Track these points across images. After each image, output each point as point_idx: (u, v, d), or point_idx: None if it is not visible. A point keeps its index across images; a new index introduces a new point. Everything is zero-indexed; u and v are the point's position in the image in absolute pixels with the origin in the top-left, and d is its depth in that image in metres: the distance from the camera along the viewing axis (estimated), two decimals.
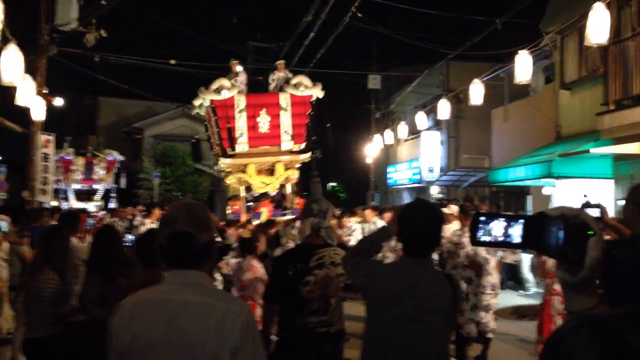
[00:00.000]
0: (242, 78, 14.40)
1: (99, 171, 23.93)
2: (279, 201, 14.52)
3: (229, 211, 14.41)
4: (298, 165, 14.48)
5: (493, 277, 6.82)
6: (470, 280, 6.82)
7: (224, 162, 13.86)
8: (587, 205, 3.60)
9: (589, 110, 11.63)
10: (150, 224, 9.36)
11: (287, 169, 14.06)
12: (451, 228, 7.72)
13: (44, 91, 13.13)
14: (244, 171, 13.80)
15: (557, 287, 5.62)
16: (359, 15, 12.92)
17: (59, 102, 16.44)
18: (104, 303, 4.19)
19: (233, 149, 13.51)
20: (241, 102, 13.52)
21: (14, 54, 8.00)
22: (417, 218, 2.74)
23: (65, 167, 22.94)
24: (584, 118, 12.21)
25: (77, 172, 23.57)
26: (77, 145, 27.17)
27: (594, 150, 10.51)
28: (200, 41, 24.25)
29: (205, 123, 15.48)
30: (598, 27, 7.79)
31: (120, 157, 24.57)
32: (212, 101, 13.48)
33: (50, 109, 13.79)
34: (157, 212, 9.76)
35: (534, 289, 12.17)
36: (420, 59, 22.31)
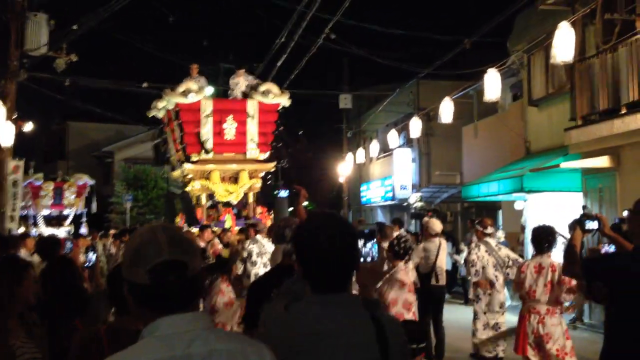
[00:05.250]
0: (202, 83, 14.22)
1: (70, 196, 23.45)
2: (239, 210, 14.30)
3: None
4: (262, 175, 14.34)
5: (501, 295, 6.85)
6: (478, 298, 6.84)
7: (187, 168, 13.60)
8: (587, 216, 3.55)
9: (557, 126, 11.90)
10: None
11: (251, 177, 13.87)
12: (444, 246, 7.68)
13: (13, 116, 12.95)
14: (207, 178, 13.56)
15: (536, 305, 5.40)
16: (332, 37, 13.06)
17: (28, 127, 16.20)
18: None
19: (207, 152, 13.33)
20: (208, 106, 13.31)
21: None
22: (320, 236, 1.93)
23: (34, 193, 22.49)
24: (552, 133, 12.49)
25: (47, 198, 23.09)
26: (46, 170, 26.72)
27: (564, 165, 10.76)
28: (171, 63, 24.19)
29: (162, 127, 15.20)
30: (564, 45, 8.01)
31: (91, 182, 24.17)
32: (177, 104, 13.22)
33: (18, 134, 13.59)
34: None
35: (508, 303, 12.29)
36: (390, 78, 22.57)
